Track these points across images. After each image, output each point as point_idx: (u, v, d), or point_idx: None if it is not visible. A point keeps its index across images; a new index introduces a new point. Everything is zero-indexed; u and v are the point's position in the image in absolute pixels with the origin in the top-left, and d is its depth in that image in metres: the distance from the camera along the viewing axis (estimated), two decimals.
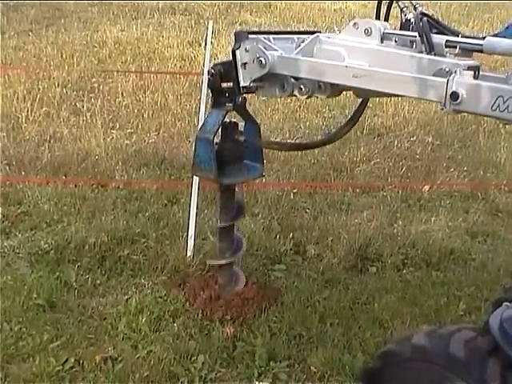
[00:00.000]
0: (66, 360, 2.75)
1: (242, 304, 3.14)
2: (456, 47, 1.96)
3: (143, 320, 3.05)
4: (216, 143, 2.84)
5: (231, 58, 2.51)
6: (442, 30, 2.04)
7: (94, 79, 7.04)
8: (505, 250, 3.99)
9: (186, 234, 3.73)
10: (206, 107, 4.20)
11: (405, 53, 2.06)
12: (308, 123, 5.94)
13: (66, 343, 2.88)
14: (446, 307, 3.29)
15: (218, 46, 8.29)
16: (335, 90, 2.32)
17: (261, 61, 2.36)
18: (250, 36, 2.45)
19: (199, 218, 3.89)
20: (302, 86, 2.34)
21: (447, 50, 1.98)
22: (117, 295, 3.29)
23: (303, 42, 2.37)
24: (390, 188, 4.80)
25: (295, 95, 2.42)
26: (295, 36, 2.50)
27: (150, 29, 9.44)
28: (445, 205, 4.60)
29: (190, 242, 3.66)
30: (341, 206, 4.52)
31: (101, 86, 6.79)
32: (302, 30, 9.97)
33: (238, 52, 2.46)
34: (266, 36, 2.46)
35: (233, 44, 2.52)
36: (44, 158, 5.01)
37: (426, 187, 4.89)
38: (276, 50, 2.39)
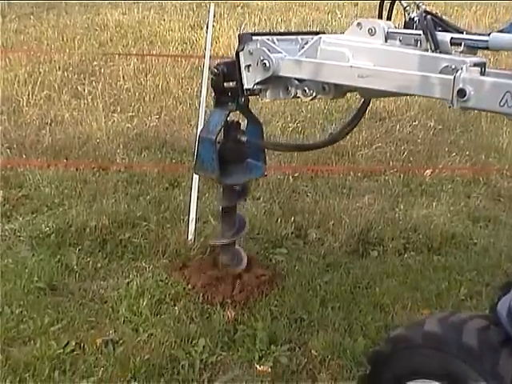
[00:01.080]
0: (67, 343, 2.73)
1: (243, 288, 3.11)
2: (461, 44, 1.94)
3: (144, 303, 3.02)
4: (218, 142, 2.83)
5: (235, 59, 2.49)
6: (446, 27, 2.02)
7: (95, 62, 6.99)
8: (506, 234, 3.95)
9: (187, 217, 3.71)
10: (207, 90, 4.16)
11: (410, 51, 2.04)
12: (310, 107, 5.83)
13: (67, 326, 2.86)
14: (447, 292, 3.26)
15: (219, 29, 8.24)
16: (339, 91, 2.30)
17: (265, 63, 2.35)
18: (254, 37, 2.44)
19: (200, 201, 3.86)
20: (305, 88, 2.33)
21: (452, 47, 1.97)
22: (118, 278, 3.27)
23: (307, 43, 2.35)
24: (392, 172, 4.78)
25: (299, 97, 2.41)
26: (299, 37, 2.48)
27: (151, 12, 9.39)
28: (446, 189, 4.57)
29: (191, 226, 3.63)
30: (342, 190, 4.49)
31: (102, 70, 6.75)
32: (305, 18, 9.88)
33: (241, 54, 2.45)
34: (269, 37, 2.44)
35: (236, 40, 2.52)
36: (45, 141, 4.98)
37: (428, 171, 4.86)
38: (280, 52, 2.38)
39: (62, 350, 2.69)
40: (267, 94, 2.51)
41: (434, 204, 4.33)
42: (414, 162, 4.99)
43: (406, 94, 2.08)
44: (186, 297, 3.10)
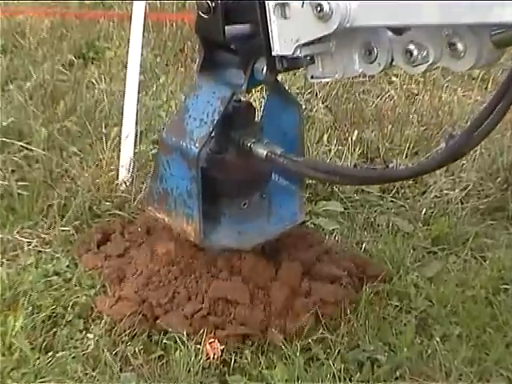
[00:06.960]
0: None
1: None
2: None
3: (17, 325, 2.80)
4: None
5: None
6: None
7: None
8: None
9: (115, 131, 3.74)
10: None
11: None
12: None
13: None
14: None
15: None
16: (488, 47, 2.13)
17: (320, 7, 2.19)
18: None
19: (148, 96, 3.84)
20: (411, 47, 2.25)
21: None
22: None
23: None
24: None
25: (400, 67, 2.36)
26: None
27: None
28: None
29: (126, 153, 3.57)
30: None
31: None
32: None
33: None
34: None
35: None
36: None
37: None
38: None
39: None
40: (323, 66, 2.47)
41: None
42: None
43: None
44: (114, 309, 2.88)
